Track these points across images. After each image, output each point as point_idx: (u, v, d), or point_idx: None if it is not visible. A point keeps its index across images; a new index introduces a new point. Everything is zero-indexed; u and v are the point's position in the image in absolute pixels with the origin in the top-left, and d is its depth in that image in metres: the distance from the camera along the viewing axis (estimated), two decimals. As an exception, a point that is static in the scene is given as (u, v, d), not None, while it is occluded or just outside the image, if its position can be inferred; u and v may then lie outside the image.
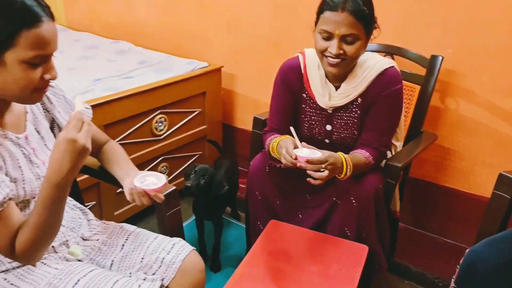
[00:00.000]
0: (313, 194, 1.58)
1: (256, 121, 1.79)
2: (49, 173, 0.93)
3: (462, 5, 1.76)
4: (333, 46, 1.34)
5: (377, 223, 1.46)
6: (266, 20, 2.30)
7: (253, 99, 2.50)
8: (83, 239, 1.21)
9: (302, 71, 1.52)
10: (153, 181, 1.11)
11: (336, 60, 1.36)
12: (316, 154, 1.33)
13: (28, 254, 0.98)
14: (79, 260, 1.16)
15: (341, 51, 1.34)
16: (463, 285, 1.18)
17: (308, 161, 1.29)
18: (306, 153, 1.33)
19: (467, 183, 1.99)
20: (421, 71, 1.77)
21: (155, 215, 2.31)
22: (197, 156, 2.39)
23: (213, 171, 1.77)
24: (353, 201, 1.43)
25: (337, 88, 1.48)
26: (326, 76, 1.48)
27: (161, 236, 1.22)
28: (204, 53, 2.54)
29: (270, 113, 1.61)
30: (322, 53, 1.39)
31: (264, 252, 1.38)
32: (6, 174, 0.98)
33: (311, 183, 1.33)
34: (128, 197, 1.14)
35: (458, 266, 1.20)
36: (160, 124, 2.12)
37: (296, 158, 1.32)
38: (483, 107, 1.84)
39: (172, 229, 1.34)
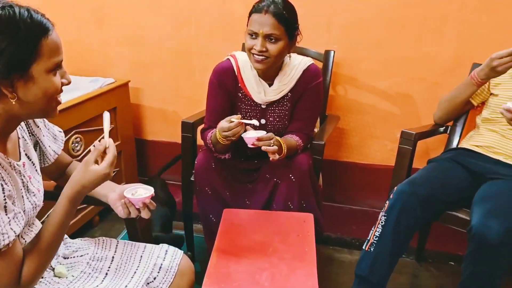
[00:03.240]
0: (253, 182, 1.76)
1: (185, 125, 1.86)
2: (70, 192, 0.97)
3: (340, 8, 2.13)
4: (257, 44, 1.54)
5: (313, 193, 1.70)
6: (169, 32, 2.38)
7: (162, 110, 2.55)
8: (64, 258, 1.18)
9: (236, 72, 1.68)
10: (144, 192, 1.12)
11: (260, 57, 1.56)
12: (261, 133, 1.52)
13: (32, 281, 0.95)
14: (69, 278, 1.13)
15: (264, 49, 1.54)
16: (391, 212, 1.48)
17: (259, 139, 1.47)
18: (252, 134, 1.51)
19: (360, 155, 2.39)
20: (319, 65, 2.09)
21: (95, 229, 2.25)
22: (114, 173, 2.36)
23: None
24: (292, 178, 1.64)
25: (270, 85, 1.68)
26: (259, 75, 1.67)
27: (148, 245, 1.26)
28: (108, 69, 2.51)
29: (208, 112, 1.73)
30: (249, 51, 1.58)
31: (229, 237, 1.50)
32: (13, 203, 0.94)
33: (271, 160, 1.50)
34: (122, 211, 1.13)
35: (387, 202, 1.50)
36: (76, 144, 2.06)
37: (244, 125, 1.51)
38: (364, 89, 2.25)
39: (143, 235, 1.38)
